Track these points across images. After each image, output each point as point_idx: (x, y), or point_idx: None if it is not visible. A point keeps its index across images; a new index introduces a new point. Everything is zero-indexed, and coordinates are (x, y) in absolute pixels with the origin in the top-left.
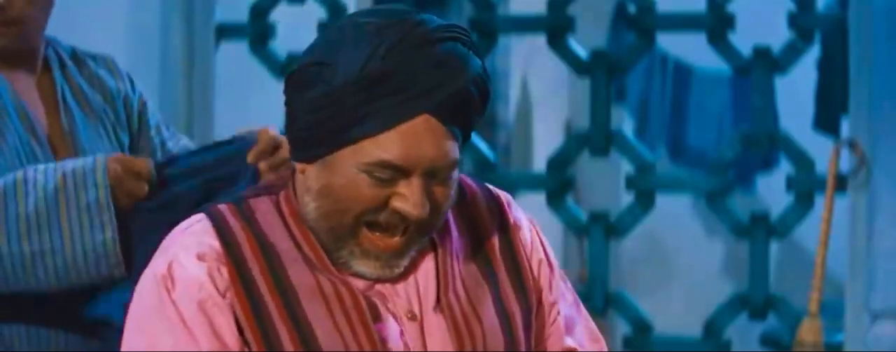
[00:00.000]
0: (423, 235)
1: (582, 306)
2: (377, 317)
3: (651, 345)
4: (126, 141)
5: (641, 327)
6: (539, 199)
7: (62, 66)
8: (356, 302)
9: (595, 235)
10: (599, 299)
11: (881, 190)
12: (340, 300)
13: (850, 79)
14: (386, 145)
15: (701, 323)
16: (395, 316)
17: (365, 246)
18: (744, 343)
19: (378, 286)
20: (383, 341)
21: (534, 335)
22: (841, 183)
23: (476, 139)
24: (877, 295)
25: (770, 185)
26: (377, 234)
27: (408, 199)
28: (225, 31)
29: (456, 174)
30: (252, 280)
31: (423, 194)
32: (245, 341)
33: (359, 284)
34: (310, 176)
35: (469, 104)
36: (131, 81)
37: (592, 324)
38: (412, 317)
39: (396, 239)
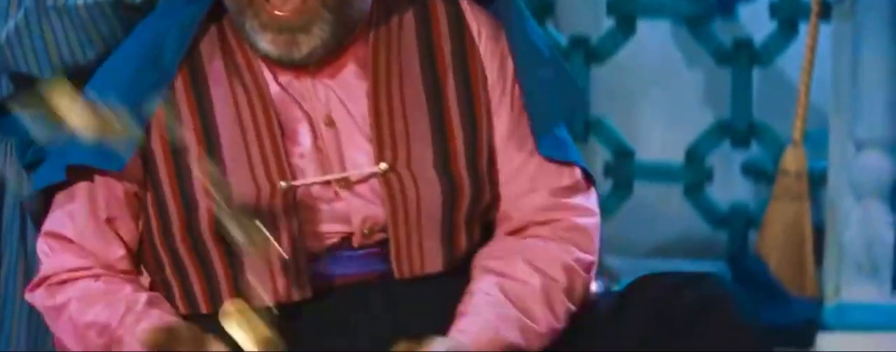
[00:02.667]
0: (330, 11)
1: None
2: (286, 123)
3: (632, 171)
4: None
5: (622, 152)
6: None
7: None
8: (265, 108)
9: (575, 60)
10: (579, 124)
11: (866, 18)
12: (251, 107)
13: None
14: None
15: (683, 150)
16: (310, 119)
17: (262, 17)
18: (726, 171)
19: (296, 86)
20: (294, 145)
21: (484, 160)
22: (825, 10)
23: None
24: (861, 124)
25: (753, 11)
26: (272, 1)
27: None
28: None
29: None
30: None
31: None
32: None
33: (276, 85)
34: None
35: None
36: None
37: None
38: (329, 122)
39: (289, 5)
